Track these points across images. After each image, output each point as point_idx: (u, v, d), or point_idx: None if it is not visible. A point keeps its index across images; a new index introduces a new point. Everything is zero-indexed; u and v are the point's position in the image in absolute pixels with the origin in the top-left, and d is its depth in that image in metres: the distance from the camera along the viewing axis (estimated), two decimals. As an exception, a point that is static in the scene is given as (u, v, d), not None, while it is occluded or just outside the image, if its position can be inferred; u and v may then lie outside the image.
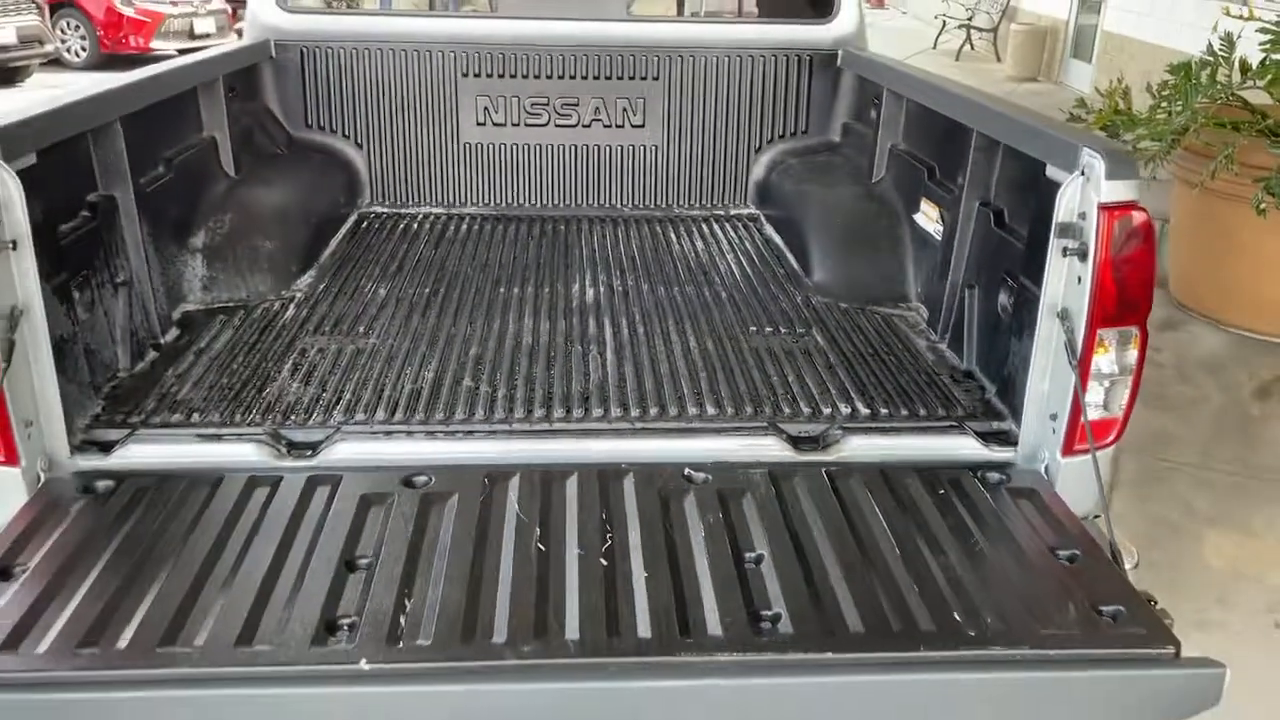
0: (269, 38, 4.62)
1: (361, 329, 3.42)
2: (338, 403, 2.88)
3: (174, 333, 3.34)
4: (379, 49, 4.70)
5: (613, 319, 3.56)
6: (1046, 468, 2.67)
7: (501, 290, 3.83)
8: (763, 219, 4.82)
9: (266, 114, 4.62)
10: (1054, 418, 2.63)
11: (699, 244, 4.47)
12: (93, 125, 2.92)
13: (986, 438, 2.77)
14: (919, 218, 3.77)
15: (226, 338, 3.31)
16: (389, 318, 3.52)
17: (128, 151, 3.10)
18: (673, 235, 4.60)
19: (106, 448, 2.64)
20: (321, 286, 3.81)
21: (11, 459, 2.48)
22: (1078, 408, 2.55)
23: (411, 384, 3.01)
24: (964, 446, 2.77)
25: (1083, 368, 2.51)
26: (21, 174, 2.41)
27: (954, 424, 2.84)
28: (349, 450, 2.68)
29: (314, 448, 2.68)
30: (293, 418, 2.80)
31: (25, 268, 2.44)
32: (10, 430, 2.45)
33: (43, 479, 2.54)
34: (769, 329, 3.49)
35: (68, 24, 16.50)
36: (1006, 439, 2.77)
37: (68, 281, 2.74)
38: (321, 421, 2.79)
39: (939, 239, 3.56)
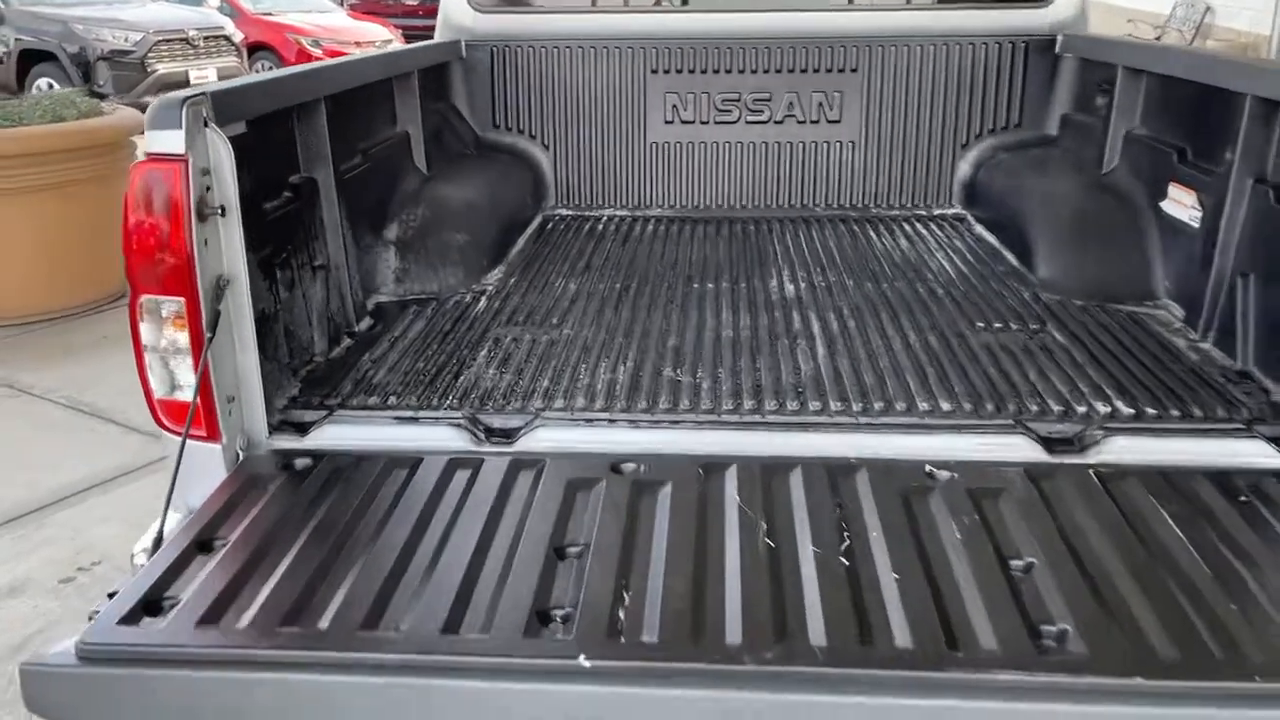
0: (460, 38, 4.59)
1: (554, 321, 3.26)
2: (535, 390, 2.71)
3: (367, 321, 3.26)
4: (568, 48, 4.60)
5: (819, 313, 3.28)
6: (1366, 478, 2.23)
7: (695, 286, 3.61)
8: (970, 219, 4.46)
9: (455, 113, 4.59)
10: None
11: (903, 242, 4.15)
12: (300, 100, 2.87)
13: (1281, 443, 2.35)
14: (1167, 205, 3.34)
15: (420, 327, 3.21)
16: (581, 311, 3.35)
17: (330, 135, 3.05)
18: (873, 234, 4.29)
19: (303, 429, 2.54)
20: (511, 281, 3.69)
21: (214, 435, 2.40)
22: None
23: (610, 373, 2.81)
24: (1255, 452, 2.35)
25: None
26: (233, 140, 2.35)
27: (1240, 427, 2.42)
28: (550, 437, 2.50)
29: (513, 434, 2.51)
30: (490, 404, 2.64)
31: (233, 237, 2.36)
32: (214, 405, 2.37)
33: (241, 457, 2.45)
34: (997, 325, 3.14)
35: (262, 65, 17.53)
36: (1308, 445, 2.34)
37: (271, 258, 2.67)
38: (519, 408, 2.62)
39: (1196, 226, 3.14)
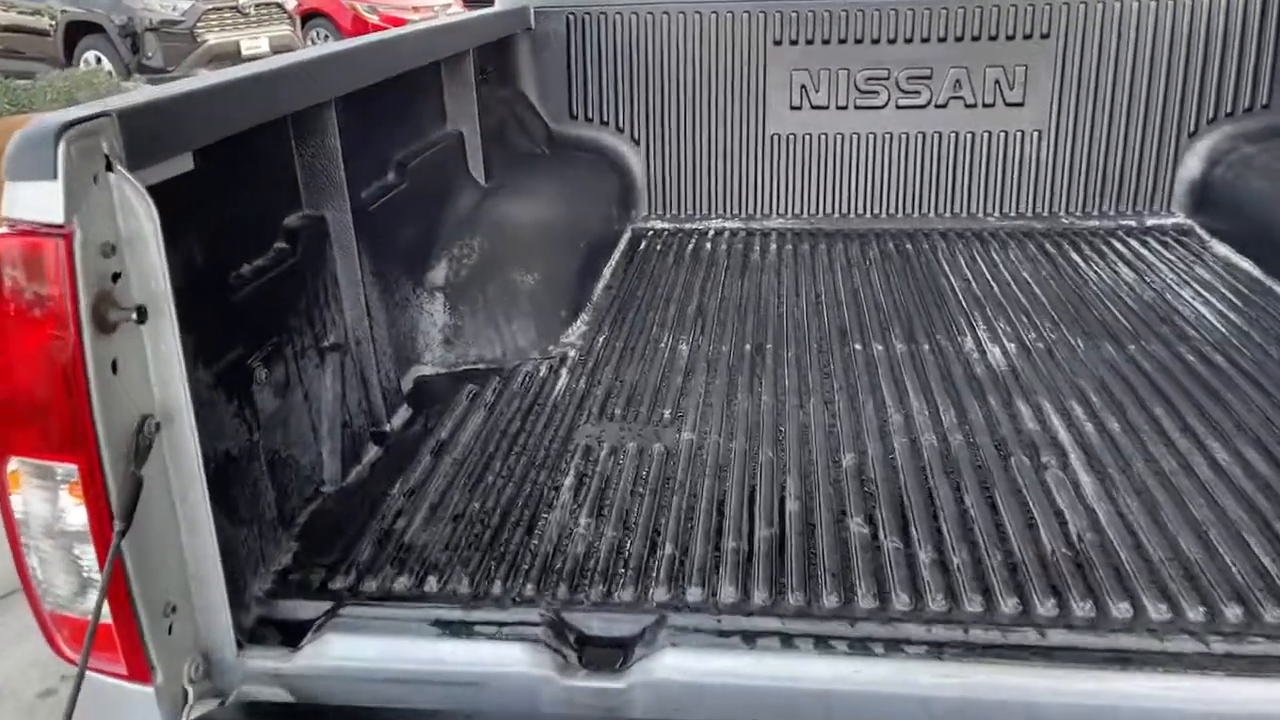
0: (527, 4, 3.59)
1: (665, 414, 2.27)
2: (657, 563, 1.74)
3: (404, 413, 2.31)
4: (665, 14, 3.57)
5: (1055, 403, 2.24)
6: None
7: (856, 348, 2.59)
8: (1201, 233, 3.35)
9: (522, 102, 3.60)
10: None
11: (1124, 270, 3.07)
12: (293, 108, 1.91)
13: None
14: None
15: (476, 424, 2.25)
16: (700, 393, 2.36)
17: (345, 151, 2.09)
18: (1076, 256, 3.21)
19: (295, 634, 1.61)
20: (600, 340, 2.70)
21: (139, 671, 1.47)
22: None
23: (767, 526, 1.82)
24: None
25: None
26: (164, 189, 1.39)
27: None
28: (681, 664, 1.52)
29: (626, 651, 1.55)
30: (583, 589, 1.68)
31: (165, 349, 1.41)
32: (136, 624, 1.43)
33: (191, 699, 1.52)
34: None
35: (318, 33, 16.70)
36: None
37: (244, 361, 1.73)
38: (633, 601, 1.65)
39: None
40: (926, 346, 2.58)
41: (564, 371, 2.51)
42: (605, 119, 3.68)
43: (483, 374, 2.50)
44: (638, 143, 3.69)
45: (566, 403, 2.34)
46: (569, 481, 2.00)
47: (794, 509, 1.87)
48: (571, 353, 2.61)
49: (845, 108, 3.57)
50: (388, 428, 2.22)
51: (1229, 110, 3.40)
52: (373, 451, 2.14)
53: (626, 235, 3.59)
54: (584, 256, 3.04)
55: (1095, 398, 2.26)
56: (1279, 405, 2.17)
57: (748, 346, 2.62)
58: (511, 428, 2.23)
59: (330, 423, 2.01)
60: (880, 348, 2.58)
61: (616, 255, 3.40)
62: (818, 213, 3.68)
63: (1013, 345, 2.56)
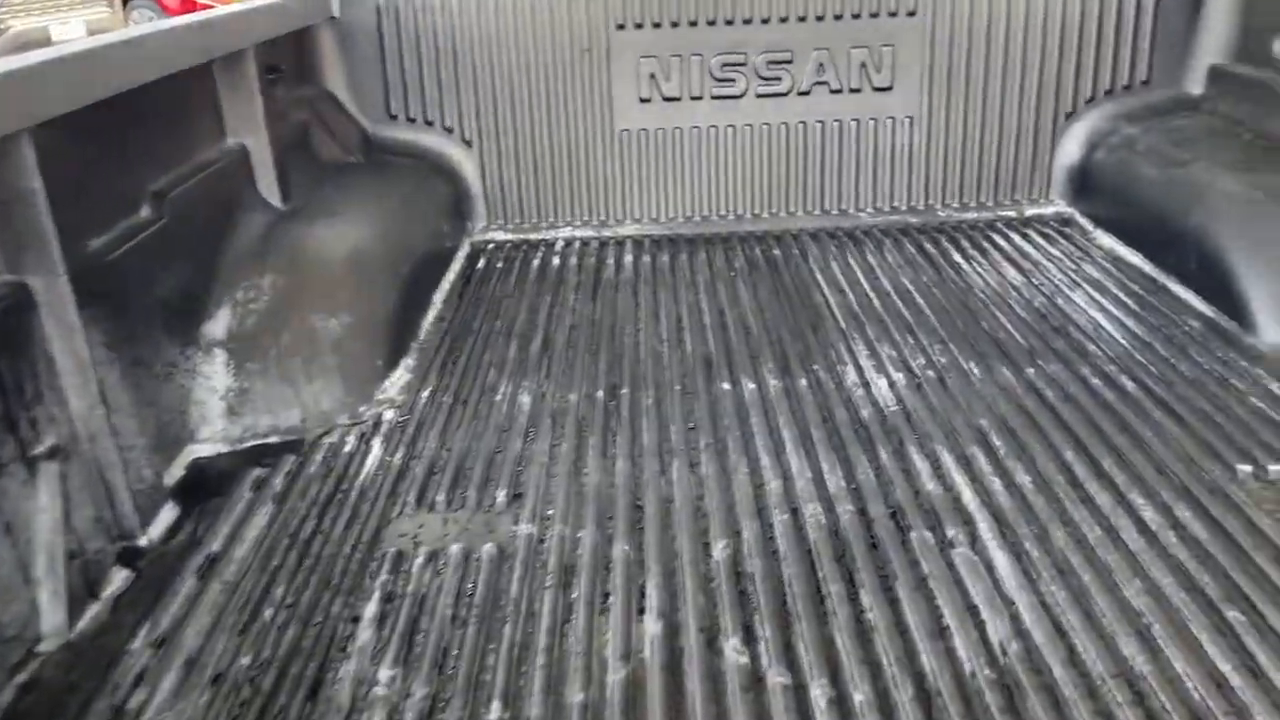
0: (329, -12, 3.09)
1: (499, 495, 1.86)
2: (474, 719, 1.34)
3: (166, 517, 1.83)
4: None
5: (956, 452, 1.93)
6: None
7: (725, 387, 2.23)
8: (1082, 222, 3.12)
9: (329, 104, 3.10)
10: None
11: (1010, 271, 2.80)
12: None
13: None
14: None
15: (260, 527, 1.80)
16: (544, 461, 1.96)
17: (54, 192, 1.59)
18: (958, 256, 2.93)
19: None
20: (425, 394, 2.27)
21: None
22: None
23: (622, 663, 1.44)
24: None
25: None
26: None
27: None
28: None
29: None
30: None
31: None
32: None
33: None
34: (1272, 465, 1.81)
35: (140, 14, 15.45)
36: None
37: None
38: None
39: None
40: (804, 381, 2.23)
41: (377, 441, 2.06)
42: (430, 119, 3.22)
43: (276, 450, 2.04)
44: (470, 144, 3.24)
45: (377, 487, 1.90)
46: (371, 610, 1.57)
47: (655, 632, 1.49)
48: (389, 414, 2.17)
49: (700, 98, 3.20)
50: (142, 541, 1.74)
51: (1108, 89, 3.17)
52: (118, 580, 1.66)
53: (463, 251, 3.15)
54: (407, 286, 2.59)
55: (998, 440, 1.95)
56: (1198, 438, 1.91)
57: (600, 392, 2.23)
58: (304, 529, 1.78)
59: (49, 556, 1.53)
60: (752, 385, 2.23)
61: (451, 277, 2.95)
62: (676, 216, 3.31)
63: (900, 375, 2.24)
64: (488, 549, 1.70)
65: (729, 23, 3.13)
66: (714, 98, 3.19)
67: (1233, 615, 1.45)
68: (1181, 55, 3.11)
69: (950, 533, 1.68)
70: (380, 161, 3.10)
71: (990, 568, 1.60)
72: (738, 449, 1.98)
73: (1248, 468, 1.81)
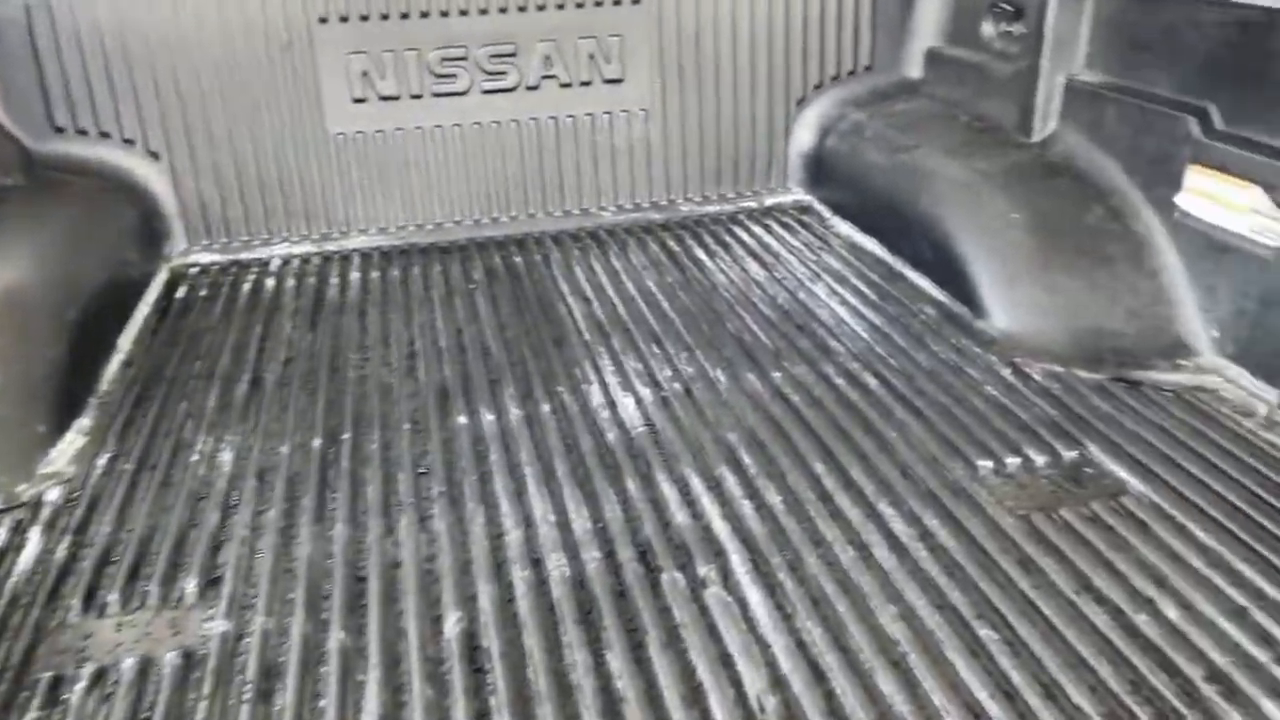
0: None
1: (189, 585, 1.58)
2: None
3: None
4: None
5: (706, 474, 1.81)
6: None
7: (461, 420, 2.03)
8: (820, 209, 3.12)
9: (-28, 117, 2.64)
10: None
11: (753, 267, 2.74)
12: None
13: None
14: (1185, 203, 2.14)
15: None
16: (245, 535, 1.69)
17: None
18: (700, 254, 2.85)
19: None
20: (102, 462, 1.92)
21: None
22: None
23: None
24: None
25: None
26: None
27: None
28: None
29: None
30: None
31: None
32: None
33: None
34: (1011, 459, 1.81)
35: None
36: None
37: None
38: None
39: (1267, 246, 1.94)
40: (547, 407, 2.06)
41: (36, 530, 1.72)
42: (106, 130, 2.80)
43: (-98, 556, 1.65)
44: (157, 156, 2.85)
45: (32, 591, 1.57)
46: (13, 763, 1.26)
47: (369, 739, 1.28)
48: (53, 493, 1.82)
49: (420, 96, 2.95)
50: None
51: (834, 75, 3.18)
52: None
53: (160, 280, 2.76)
54: (76, 331, 2.21)
55: (747, 456, 1.85)
56: (939, 435, 1.88)
57: (317, 440, 1.97)
58: (-70, 664, 1.43)
59: None
60: (491, 416, 2.03)
61: (144, 312, 2.57)
62: (406, 225, 3.05)
63: (647, 391, 2.11)
64: (171, 657, 1.42)
65: (444, 14, 2.89)
66: (435, 95, 2.95)
67: (985, 633, 1.40)
68: (899, 39, 3.16)
69: (702, 571, 1.56)
70: (44, 183, 2.65)
71: (744, 606, 1.48)
72: (474, 495, 1.78)
73: (988, 463, 1.79)
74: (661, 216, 3.12)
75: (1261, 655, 1.33)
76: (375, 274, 2.80)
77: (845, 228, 2.96)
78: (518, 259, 2.86)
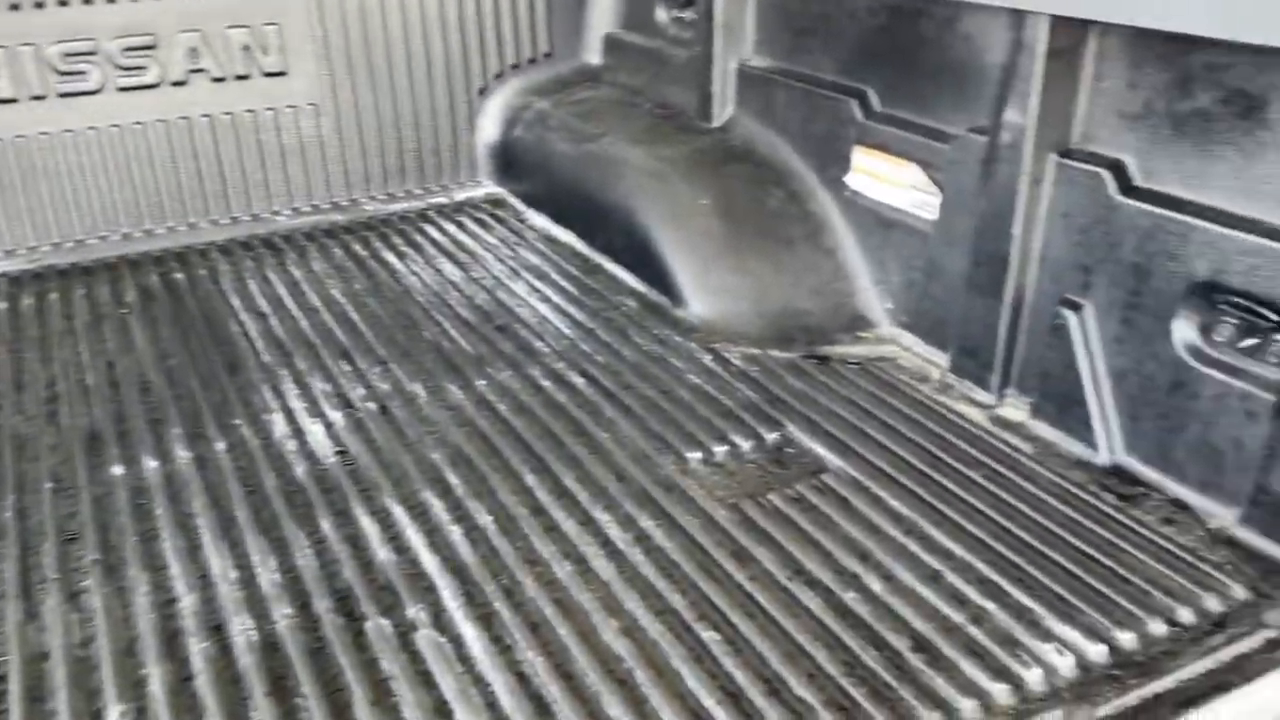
0: None
1: None
2: None
3: None
4: None
5: (409, 502, 1.68)
6: None
7: (116, 471, 1.76)
8: (513, 201, 3.03)
9: None
10: None
11: (448, 268, 2.60)
12: None
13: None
14: (854, 182, 2.24)
15: None
16: None
17: None
18: (390, 256, 2.67)
19: None
20: None
21: None
22: None
23: None
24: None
25: None
26: None
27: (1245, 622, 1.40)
28: None
29: None
30: None
31: None
32: None
33: None
34: (719, 448, 1.80)
35: None
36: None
37: None
38: None
39: (926, 219, 2.06)
40: (222, 445, 1.83)
41: None
42: None
43: None
44: None
45: None
46: None
47: None
48: None
49: (43, 98, 2.55)
50: None
51: (515, 62, 3.09)
52: None
53: None
54: None
55: (454, 476, 1.73)
56: (649, 431, 1.85)
57: (-71, 515, 1.64)
58: None
59: None
60: (154, 463, 1.78)
61: None
62: (38, 245, 2.65)
63: (338, 414, 1.93)
64: None
65: (63, 3, 2.52)
66: (62, 95, 2.56)
67: (707, 635, 1.37)
68: (577, 25, 3.12)
69: (410, 612, 1.43)
70: None
71: (459, 645, 1.37)
72: (137, 558, 1.54)
73: (698, 454, 1.78)
74: (344, 218, 2.91)
75: (957, 616, 1.39)
76: (3, 304, 2.40)
77: (540, 220, 2.89)
78: (179, 275, 2.56)
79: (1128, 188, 1.70)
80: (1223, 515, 1.57)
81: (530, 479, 1.72)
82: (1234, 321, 1.57)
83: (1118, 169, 1.71)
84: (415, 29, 2.91)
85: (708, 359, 2.10)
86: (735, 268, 2.30)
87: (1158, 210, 1.64)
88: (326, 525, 1.61)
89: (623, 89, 3.00)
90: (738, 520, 1.61)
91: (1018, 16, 1.76)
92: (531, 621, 1.41)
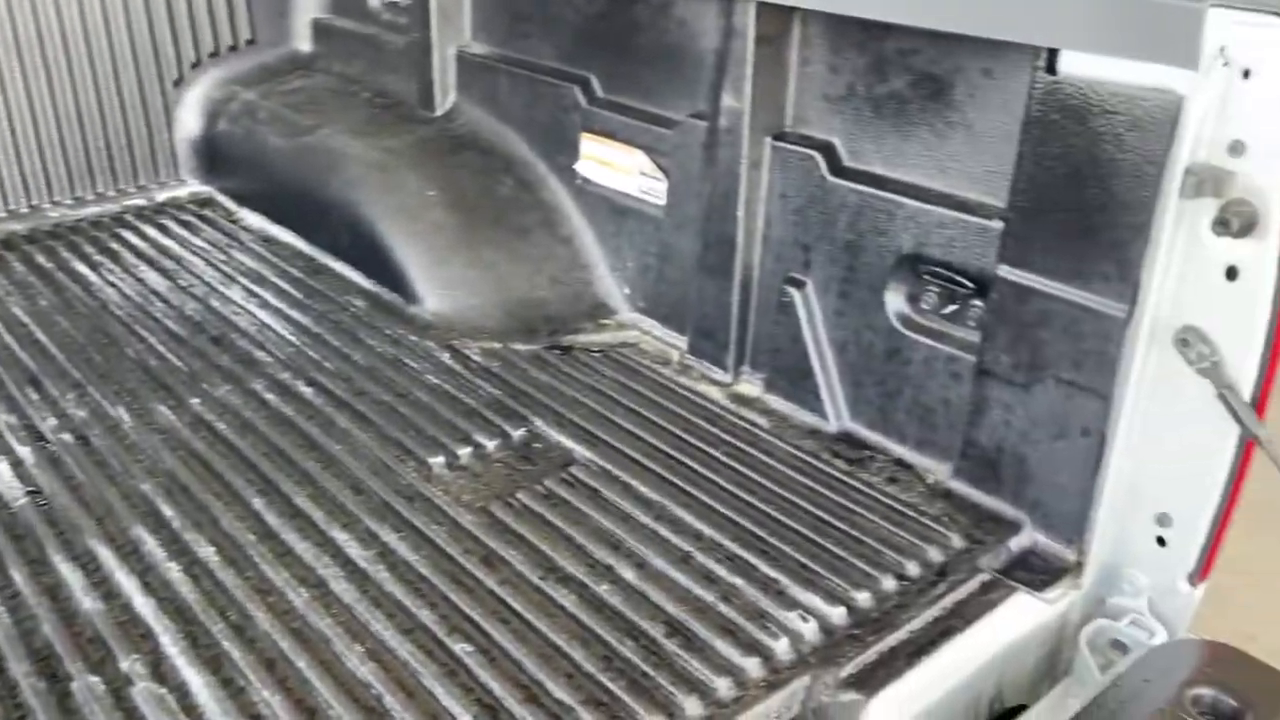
0: None
1: None
2: None
3: None
4: None
5: (117, 541, 1.50)
6: (1153, 606, 1.50)
7: None
8: (223, 200, 2.80)
9: None
10: (1165, 521, 1.45)
11: (151, 276, 2.36)
12: None
13: (1017, 575, 1.50)
14: (584, 169, 2.23)
15: None
16: None
17: None
18: (82, 268, 2.39)
19: None
20: None
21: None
22: (1235, 499, 1.40)
23: None
24: (1015, 617, 1.46)
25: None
26: None
27: (964, 568, 1.51)
28: None
29: None
30: None
31: None
32: None
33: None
34: (460, 448, 1.74)
35: None
36: (1041, 567, 1.52)
37: None
38: None
39: (656, 205, 2.09)
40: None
41: None
42: None
43: None
44: None
45: None
46: None
47: None
48: None
49: None
50: None
51: (213, 51, 2.85)
52: None
53: None
54: None
55: (168, 507, 1.57)
56: (388, 438, 1.76)
57: None
58: None
59: None
60: None
61: None
62: None
63: (27, 450, 1.70)
64: None
65: None
66: None
67: (460, 648, 1.31)
68: (281, 10, 2.92)
69: (125, 665, 1.28)
70: None
71: (184, 695, 1.24)
72: None
73: (440, 459, 1.71)
74: (24, 227, 2.58)
75: (708, 596, 1.41)
76: None
77: (255, 220, 2.69)
78: None
79: (838, 168, 1.78)
80: (939, 470, 1.69)
81: (257, 502, 1.58)
82: (936, 290, 1.69)
83: (828, 150, 1.79)
84: (95, 17, 2.61)
85: (446, 357, 2.03)
86: (470, 260, 2.23)
87: (865, 189, 1.73)
88: (19, 577, 1.41)
89: (338, 78, 2.84)
90: (487, 524, 1.56)
91: (726, 3, 1.81)
92: (267, 658, 1.30)
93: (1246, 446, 1.35)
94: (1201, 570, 1.44)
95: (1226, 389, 1.32)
